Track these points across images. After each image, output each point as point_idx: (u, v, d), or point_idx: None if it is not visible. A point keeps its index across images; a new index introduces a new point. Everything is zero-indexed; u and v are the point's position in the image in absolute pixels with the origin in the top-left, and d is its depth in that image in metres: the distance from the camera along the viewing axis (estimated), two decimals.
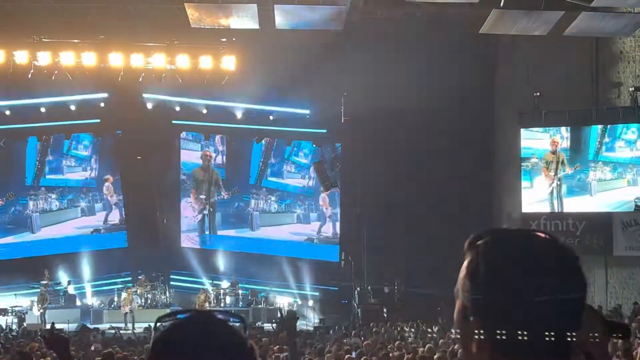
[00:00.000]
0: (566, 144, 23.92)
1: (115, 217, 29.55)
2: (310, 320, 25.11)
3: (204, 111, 27.43)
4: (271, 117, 27.46)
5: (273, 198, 29.86)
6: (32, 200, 28.95)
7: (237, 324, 1.65)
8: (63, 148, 29.15)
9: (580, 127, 23.78)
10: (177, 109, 27.51)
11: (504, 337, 1.50)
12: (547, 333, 1.49)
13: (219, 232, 29.82)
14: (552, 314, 1.49)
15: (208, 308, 24.69)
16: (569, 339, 1.52)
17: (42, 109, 26.62)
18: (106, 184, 29.30)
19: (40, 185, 29.02)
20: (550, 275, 1.51)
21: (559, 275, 1.52)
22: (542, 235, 1.59)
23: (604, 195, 23.61)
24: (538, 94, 23.18)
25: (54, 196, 29.34)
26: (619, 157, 23.59)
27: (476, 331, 1.54)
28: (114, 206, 29.55)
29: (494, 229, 1.62)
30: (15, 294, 25.42)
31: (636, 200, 22.97)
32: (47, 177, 29.17)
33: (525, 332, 1.48)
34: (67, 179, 29.33)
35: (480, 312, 1.53)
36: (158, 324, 1.64)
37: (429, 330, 19.57)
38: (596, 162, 23.77)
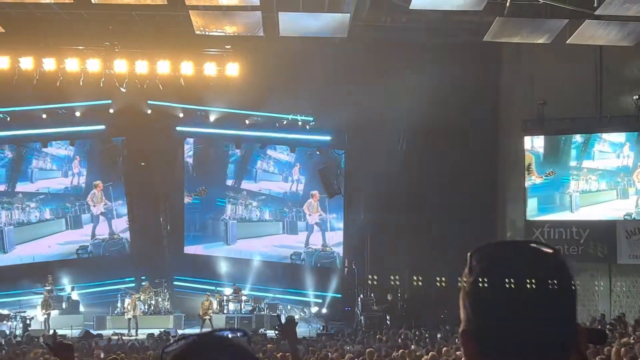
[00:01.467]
0: (533, 144, 23.45)
1: (103, 230, 27.14)
2: (313, 327, 25.06)
3: (212, 118, 27.41)
4: (277, 125, 27.43)
5: (255, 203, 27.43)
6: (6, 210, 25.94)
7: (242, 338, 1.65)
8: (38, 147, 26.62)
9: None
10: (181, 115, 27.50)
11: (492, 350, 1.50)
12: (535, 347, 1.48)
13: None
14: (539, 327, 1.48)
15: (211, 314, 24.68)
16: (559, 352, 1.51)
17: (44, 115, 26.45)
18: (93, 191, 26.83)
19: (17, 192, 25.89)
20: (538, 288, 1.50)
21: (547, 288, 1.51)
22: (538, 247, 1.58)
23: (589, 211, 22.68)
24: (542, 101, 23.19)
25: (32, 205, 25.98)
26: (607, 164, 22.56)
27: (467, 343, 1.55)
28: (100, 217, 26.77)
29: (492, 242, 1.62)
30: (19, 299, 25.41)
31: (626, 217, 22.48)
32: (24, 183, 25.79)
33: (512, 346, 1.48)
34: (49, 186, 26.21)
35: (472, 325, 1.54)
36: (164, 354, 1.62)
37: (432, 337, 19.53)
38: (579, 170, 23.18)
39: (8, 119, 26.39)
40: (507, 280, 1.50)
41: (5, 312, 24.37)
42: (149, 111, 27.06)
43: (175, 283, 27.83)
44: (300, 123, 27.02)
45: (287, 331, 5.63)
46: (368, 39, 23.57)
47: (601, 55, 22.68)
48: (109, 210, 27.41)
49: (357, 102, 25.21)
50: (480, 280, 1.54)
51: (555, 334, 1.50)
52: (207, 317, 24.53)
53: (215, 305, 25.64)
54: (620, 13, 18.39)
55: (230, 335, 1.66)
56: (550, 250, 1.57)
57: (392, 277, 25.50)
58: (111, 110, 26.69)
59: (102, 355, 15.46)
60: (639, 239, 22.03)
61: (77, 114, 26.66)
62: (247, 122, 27.37)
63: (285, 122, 27.27)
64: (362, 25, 22.08)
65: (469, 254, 1.60)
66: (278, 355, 14.24)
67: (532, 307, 1.48)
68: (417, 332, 20.44)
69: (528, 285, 1.50)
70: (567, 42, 19.05)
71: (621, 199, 22.51)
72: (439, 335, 19.65)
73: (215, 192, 27.51)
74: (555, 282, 1.52)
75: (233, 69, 24.18)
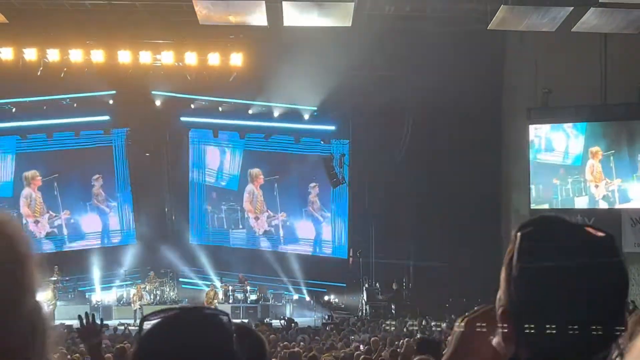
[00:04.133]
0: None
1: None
2: (318, 316, 25.13)
3: (220, 108, 27.36)
4: (275, 115, 27.35)
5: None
6: None
7: (224, 319, 1.61)
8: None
9: None
10: (192, 106, 27.42)
11: (533, 334, 1.45)
12: (581, 336, 1.43)
13: None
14: (590, 316, 1.42)
15: (216, 305, 24.73)
16: (603, 343, 1.45)
17: (44, 107, 26.33)
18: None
19: None
20: (588, 275, 1.44)
21: (597, 276, 1.45)
22: (589, 230, 1.51)
23: None
24: (547, 90, 23.14)
25: None
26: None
27: (502, 324, 1.50)
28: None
29: (540, 218, 1.54)
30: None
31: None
32: None
33: (552, 332, 1.43)
34: None
35: (515, 307, 1.49)
36: (144, 325, 1.59)
37: (438, 326, 19.58)
38: None
39: (13, 109, 26.34)
40: (561, 265, 1.44)
41: None
42: (158, 102, 26.97)
43: (181, 273, 27.88)
44: (303, 114, 27.02)
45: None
46: (372, 28, 23.50)
47: (606, 42, 22.57)
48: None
49: (362, 91, 25.18)
50: (531, 263, 1.46)
51: (604, 324, 1.44)
52: (212, 307, 24.53)
53: (220, 295, 25.69)
54: (625, 0, 18.30)
55: (212, 314, 1.62)
56: (604, 235, 1.51)
57: (396, 266, 25.56)
58: (110, 102, 26.62)
59: (108, 345, 15.50)
60: None
61: (75, 105, 26.50)
62: (249, 112, 27.31)
63: (288, 112, 27.22)
64: (366, 14, 22.01)
65: (517, 233, 1.51)
66: (282, 345, 14.28)
67: (585, 296, 1.43)
68: (422, 321, 20.49)
69: (583, 272, 1.44)
70: (571, 30, 18.97)
71: None
72: (444, 324, 19.70)
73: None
74: (612, 271, 1.47)
75: (237, 59, 24.15)
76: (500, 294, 1.53)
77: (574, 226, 1.51)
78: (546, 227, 1.50)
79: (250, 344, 2.31)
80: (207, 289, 26.00)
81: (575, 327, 1.41)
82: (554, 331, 1.42)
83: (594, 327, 1.42)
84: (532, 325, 1.44)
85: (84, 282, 26.57)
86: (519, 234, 1.50)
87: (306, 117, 27.15)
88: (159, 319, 1.59)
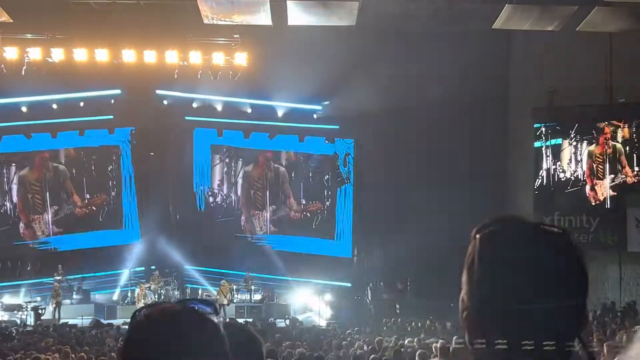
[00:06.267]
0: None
1: None
2: (322, 316, 25.11)
3: (219, 108, 27.37)
4: (280, 114, 27.34)
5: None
6: None
7: (211, 314, 1.60)
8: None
9: None
10: (195, 105, 27.44)
11: (494, 334, 1.45)
12: (542, 334, 1.43)
13: None
14: (543, 318, 1.43)
15: (227, 302, 24.61)
16: (565, 339, 1.46)
17: (54, 106, 26.53)
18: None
19: None
20: (547, 277, 1.44)
21: (558, 277, 1.45)
22: (550, 230, 1.51)
23: None
24: (552, 89, 23.09)
25: None
26: None
27: (470, 324, 1.50)
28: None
29: (499, 219, 1.54)
30: (29, 289, 25.47)
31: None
32: None
33: (509, 336, 1.43)
34: None
35: (472, 308, 1.49)
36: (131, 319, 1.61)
37: (442, 325, 19.54)
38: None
39: (24, 109, 26.30)
40: (518, 267, 1.44)
41: (17, 302, 24.47)
42: (163, 102, 26.96)
43: (185, 272, 27.87)
44: (308, 113, 27.01)
45: None
46: (376, 27, 23.47)
47: (611, 41, 22.50)
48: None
49: (366, 90, 25.14)
50: (492, 265, 1.47)
51: (564, 322, 1.45)
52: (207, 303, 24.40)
53: (225, 294, 25.55)
54: None
55: (200, 309, 1.62)
56: (561, 232, 1.50)
57: (401, 265, 25.53)
58: (112, 101, 26.63)
59: (112, 344, 15.51)
60: None
61: (81, 104, 26.60)
62: (248, 111, 27.27)
63: (293, 111, 27.23)
64: (370, 14, 21.97)
65: (476, 235, 1.52)
66: (287, 344, 14.26)
67: (546, 293, 1.43)
68: (427, 321, 20.45)
69: (540, 273, 1.44)
70: (577, 29, 18.93)
71: None
72: (448, 324, 19.66)
73: None
74: (569, 270, 1.47)
75: (241, 58, 24.13)
76: (462, 295, 1.53)
77: (530, 225, 1.52)
78: (504, 227, 1.51)
79: (241, 342, 2.30)
80: (211, 288, 25.94)
81: (539, 325, 1.42)
82: (518, 331, 1.43)
83: (557, 325, 1.43)
84: (496, 327, 1.45)
85: (88, 281, 26.57)
86: (477, 236, 1.51)
87: (311, 116, 27.11)
88: (147, 314, 1.58)
